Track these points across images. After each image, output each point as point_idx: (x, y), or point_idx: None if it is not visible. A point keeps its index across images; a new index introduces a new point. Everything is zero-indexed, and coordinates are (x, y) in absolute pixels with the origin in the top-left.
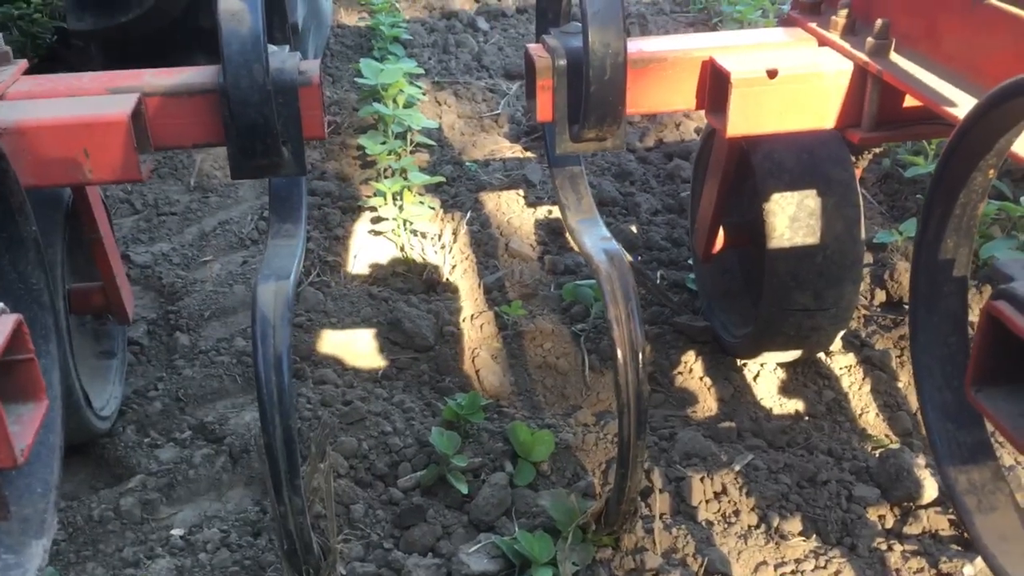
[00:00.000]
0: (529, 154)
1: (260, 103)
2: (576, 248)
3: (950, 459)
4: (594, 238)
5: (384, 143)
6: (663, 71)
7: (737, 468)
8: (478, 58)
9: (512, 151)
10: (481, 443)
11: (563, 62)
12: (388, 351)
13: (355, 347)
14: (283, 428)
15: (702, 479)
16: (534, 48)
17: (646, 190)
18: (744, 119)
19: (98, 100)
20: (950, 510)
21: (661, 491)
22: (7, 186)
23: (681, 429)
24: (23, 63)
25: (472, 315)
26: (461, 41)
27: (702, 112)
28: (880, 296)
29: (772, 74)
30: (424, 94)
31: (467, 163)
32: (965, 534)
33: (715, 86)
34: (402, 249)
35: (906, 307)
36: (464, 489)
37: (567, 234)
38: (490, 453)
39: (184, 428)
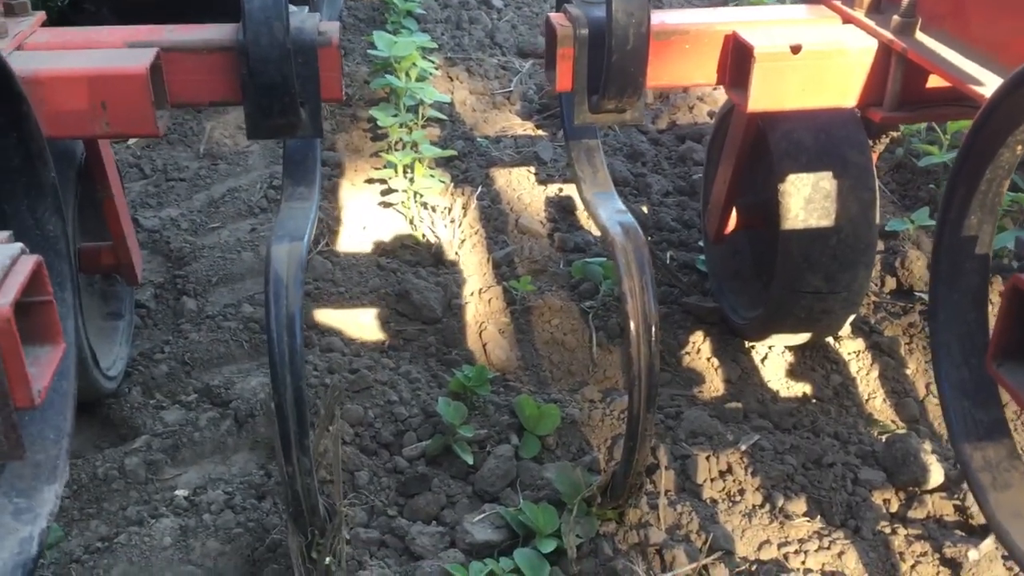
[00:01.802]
0: (540, 132)
1: (279, 62)
2: (591, 220)
3: (966, 436)
4: (609, 211)
5: (396, 116)
6: (685, 44)
7: (743, 448)
8: (491, 35)
9: (523, 128)
10: (487, 415)
11: (585, 31)
12: (395, 322)
13: (362, 317)
14: (294, 388)
15: (707, 458)
16: (555, 17)
17: (658, 171)
18: (766, 94)
19: (116, 53)
20: (955, 496)
21: (667, 468)
22: (28, 130)
23: (687, 408)
24: (41, 15)
25: (480, 289)
26: (475, 18)
27: (716, 95)
28: (891, 283)
29: (796, 49)
30: (437, 69)
31: (478, 139)
32: (971, 520)
33: (737, 60)
34: (411, 222)
35: (916, 295)
36: (469, 460)
37: (583, 207)
38: (496, 426)
39: (190, 391)
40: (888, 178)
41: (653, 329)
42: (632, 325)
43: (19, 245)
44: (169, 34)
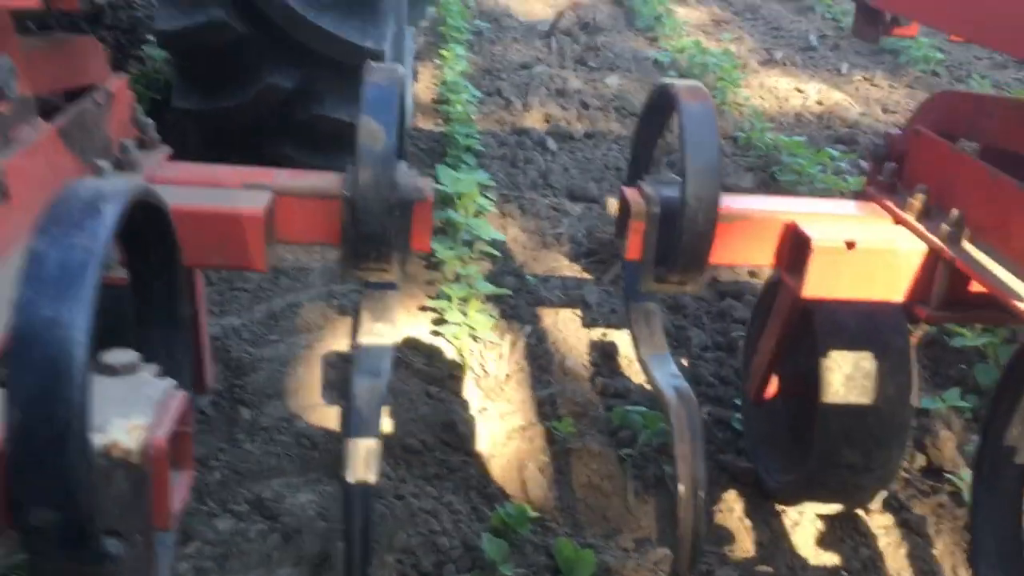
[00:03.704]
0: (587, 275)
1: (382, 215)
2: (647, 380)
3: None
4: (665, 374)
5: (452, 248)
6: (747, 228)
7: None
8: (544, 176)
9: (571, 270)
10: (524, 554)
11: (657, 210)
12: (440, 451)
13: (410, 443)
14: (363, 519)
15: None
16: (630, 192)
17: (698, 325)
18: (820, 283)
19: (237, 193)
20: None
21: None
22: (175, 268)
23: (719, 567)
24: (168, 150)
25: (523, 426)
26: (529, 158)
27: None
28: (920, 460)
29: (851, 245)
30: (492, 205)
31: (528, 276)
32: None
33: (795, 249)
34: (461, 353)
35: (946, 475)
36: None
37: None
38: (532, 565)
39: (241, 501)
40: (920, 354)
41: (701, 494)
42: (681, 488)
43: (171, 382)
44: (281, 178)
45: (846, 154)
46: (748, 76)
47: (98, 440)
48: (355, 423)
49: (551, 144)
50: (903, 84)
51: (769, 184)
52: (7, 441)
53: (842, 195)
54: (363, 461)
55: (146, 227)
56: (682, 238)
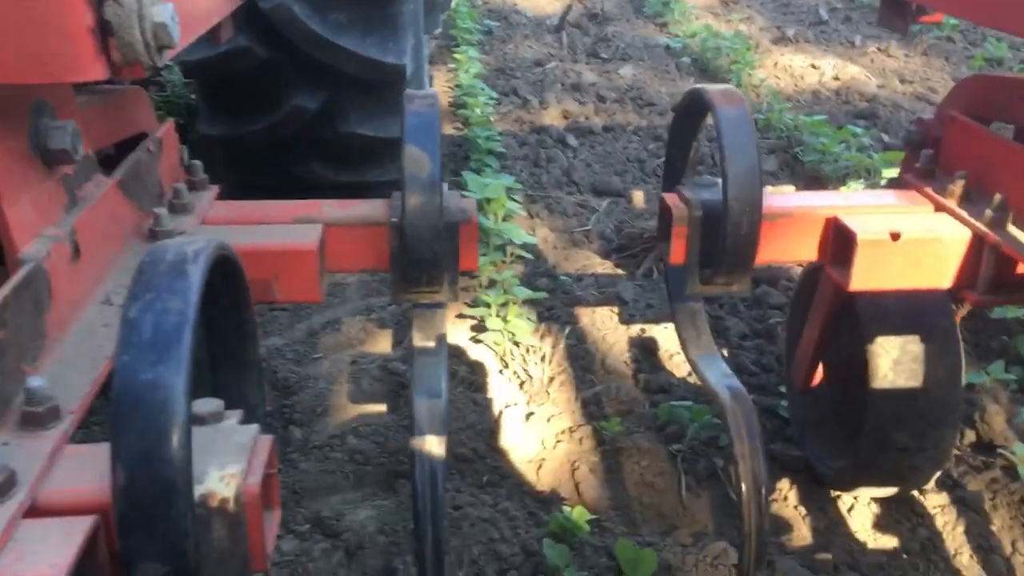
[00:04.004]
0: (619, 271)
1: (432, 240)
2: (699, 381)
3: None
4: (717, 374)
5: (485, 255)
6: (790, 226)
7: None
8: (568, 173)
9: (603, 267)
10: (584, 556)
11: (699, 213)
12: (491, 458)
13: (461, 452)
14: (434, 538)
15: None
16: (670, 197)
17: (734, 314)
18: (866, 275)
19: (289, 229)
20: None
21: None
22: (245, 315)
23: (778, 557)
24: (216, 189)
25: (571, 428)
26: (551, 156)
27: None
28: (970, 436)
29: (895, 236)
30: (520, 208)
31: (561, 276)
32: None
33: (839, 243)
34: (503, 359)
35: (997, 450)
36: None
37: (690, 368)
38: (594, 567)
39: (301, 520)
40: (961, 328)
41: (763, 491)
42: (744, 488)
43: (256, 427)
44: (329, 210)
45: (868, 130)
46: (762, 56)
47: (196, 491)
48: (419, 446)
49: (571, 140)
50: (918, 53)
51: (792, 165)
52: (114, 500)
53: (868, 173)
54: (431, 479)
55: (220, 279)
56: (727, 241)
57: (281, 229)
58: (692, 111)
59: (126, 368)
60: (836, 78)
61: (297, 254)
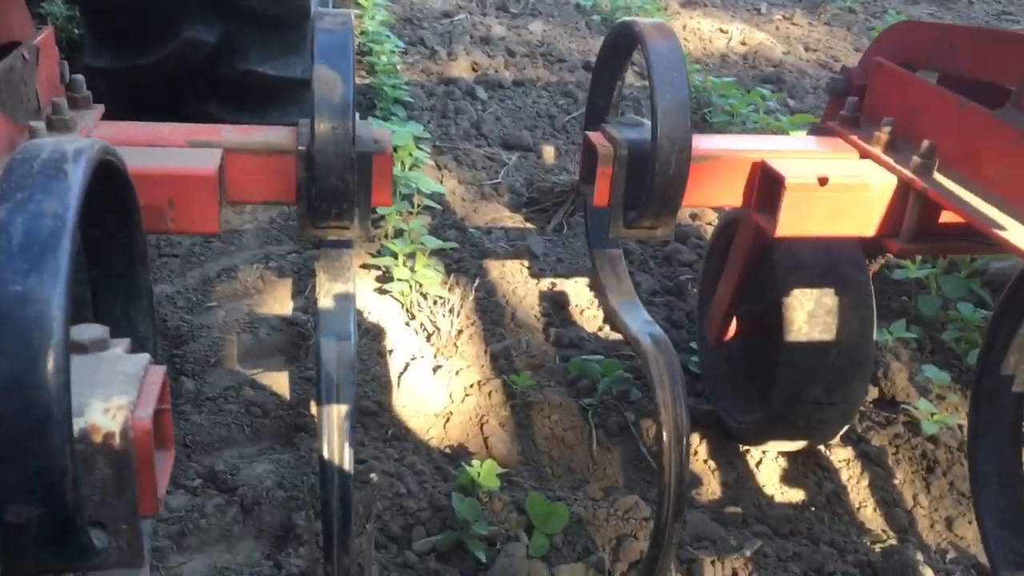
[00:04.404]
0: (529, 225)
1: (343, 170)
2: (618, 329)
3: (1005, 565)
4: (638, 321)
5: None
6: (716, 169)
7: (748, 554)
8: (477, 126)
9: (513, 221)
10: (495, 511)
11: (625, 152)
12: (397, 411)
13: (365, 405)
14: (341, 488)
15: (712, 562)
16: (595, 136)
17: (644, 271)
18: (793, 222)
19: (183, 152)
20: None
21: (675, 573)
22: (135, 235)
23: (688, 511)
24: (101, 108)
25: (480, 381)
26: (460, 108)
27: None
28: (873, 393)
29: (823, 181)
30: (428, 157)
31: (470, 229)
32: None
33: (766, 188)
34: (409, 311)
35: (900, 405)
36: (483, 557)
37: (607, 315)
38: (504, 522)
39: (193, 476)
40: None
41: (685, 440)
42: (664, 435)
43: (146, 356)
44: (230, 135)
45: (775, 93)
46: (671, 18)
47: (76, 425)
48: (327, 388)
49: (480, 93)
50: (821, 22)
51: (701, 126)
52: None
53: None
54: (338, 428)
55: (104, 190)
56: (655, 181)
57: (176, 153)
58: (620, 46)
59: None
60: (743, 43)
61: (194, 179)
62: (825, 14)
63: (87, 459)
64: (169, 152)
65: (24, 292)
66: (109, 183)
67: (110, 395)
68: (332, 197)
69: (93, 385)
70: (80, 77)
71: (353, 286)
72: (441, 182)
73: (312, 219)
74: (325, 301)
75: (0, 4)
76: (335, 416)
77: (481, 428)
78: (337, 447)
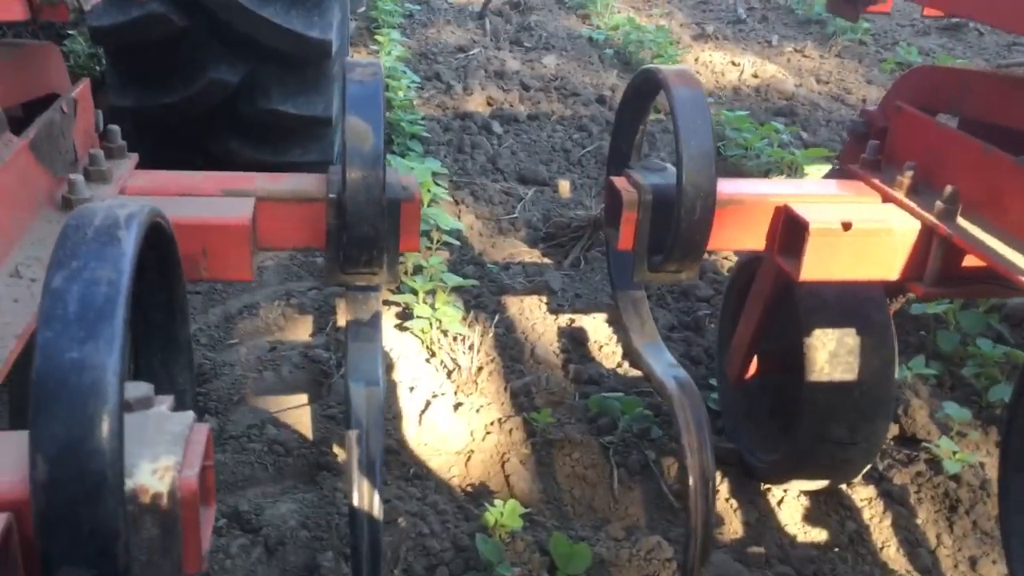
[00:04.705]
0: (547, 260)
1: (374, 217)
2: (642, 371)
3: None
4: (663, 364)
5: None
6: (740, 213)
7: None
8: (493, 160)
9: (530, 256)
10: (517, 552)
11: (649, 197)
12: (419, 450)
13: (387, 443)
14: (370, 532)
15: None
16: (619, 181)
17: (662, 306)
18: (817, 265)
19: (218, 202)
20: None
21: None
22: (176, 290)
23: (711, 551)
24: (135, 157)
25: (500, 419)
26: (476, 143)
27: None
28: (894, 430)
29: (847, 226)
30: (446, 193)
31: (488, 264)
32: None
33: (790, 232)
34: (430, 347)
35: (921, 443)
36: None
37: (631, 356)
38: (527, 563)
39: (218, 515)
40: None
41: (711, 484)
42: (691, 480)
43: (191, 414)
44: (262, 183)
45: (788, 126)
46: (683, 52)
47: (126, 486)
48: (357, 434)
49: (496, 128)
50: (832, 54)
51: (715, 161)
52: (34, 496)
53: (790, 169)
54: (368, 474)
55: (151, 249)
56: (680, 227)
57: (210, 202)
58: (643, 91)
59: (49, 345)
60: (755, 75)
61: (228, 229)
62: (836, 46)
63: (135, 519)
64: (203, 201)
65: (81, 359)
66: (156, 242)
67: (158, 455)
68: (363, 244)
69: (141, 445)
70: (115, 128)
71: (380, 331)
72: (459, 217)
73: (342, 265)
74: (353, 346)
75: (40, 58)
76: (365, 462)
77: (503, 466)
78: (367, 494)
